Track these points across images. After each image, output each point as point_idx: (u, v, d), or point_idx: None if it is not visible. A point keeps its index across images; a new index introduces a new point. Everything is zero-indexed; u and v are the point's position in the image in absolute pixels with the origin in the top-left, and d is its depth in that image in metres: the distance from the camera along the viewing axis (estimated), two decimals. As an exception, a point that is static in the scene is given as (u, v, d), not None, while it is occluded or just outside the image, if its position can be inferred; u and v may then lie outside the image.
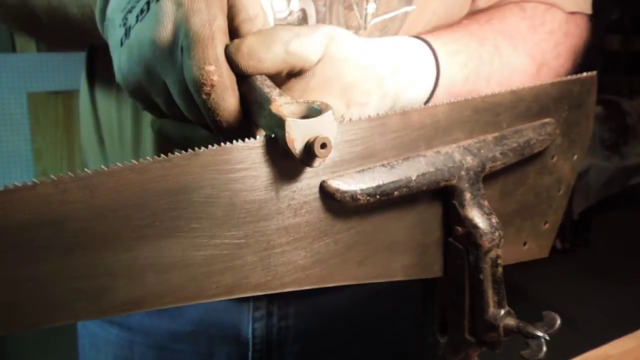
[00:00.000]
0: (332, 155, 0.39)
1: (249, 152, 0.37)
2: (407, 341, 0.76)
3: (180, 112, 0.43)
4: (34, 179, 0.31)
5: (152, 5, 0.41)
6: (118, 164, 0.33)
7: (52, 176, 0.31)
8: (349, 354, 0.73)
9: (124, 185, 0.33)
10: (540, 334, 0.43)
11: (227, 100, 0.39)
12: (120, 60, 0.43)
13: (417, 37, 0.57)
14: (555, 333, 0.44)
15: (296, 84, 0.44)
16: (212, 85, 0.39)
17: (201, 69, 0.38)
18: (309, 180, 0.39)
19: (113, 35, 0.44)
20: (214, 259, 0.37)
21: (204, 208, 0.36)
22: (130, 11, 0.42)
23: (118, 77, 0.44)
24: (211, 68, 0.38)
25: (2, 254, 0.31)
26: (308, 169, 0.38)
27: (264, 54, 0.40)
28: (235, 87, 0.40)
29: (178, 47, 0.39)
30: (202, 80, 0.38)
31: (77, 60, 0.74)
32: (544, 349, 0.43)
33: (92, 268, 0.33)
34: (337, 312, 0.71)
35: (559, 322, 0.45)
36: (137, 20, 0.42)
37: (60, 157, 3.06)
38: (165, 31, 0.40)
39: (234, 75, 0.40)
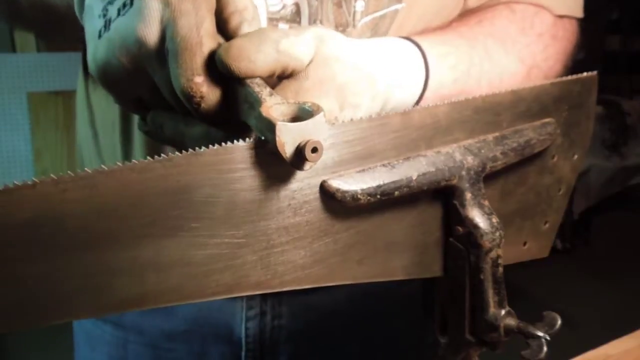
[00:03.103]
0: (332, 155, 0.39)
1: (249, 151, 0.37)
2: (404, 341, 0.75)
3: (166, 102, 0.42)
4: (34, 178, 0.31)
5: (136, 1, 0.40)
6: (118, 163, 0.33)
7: (52, 175, 0.31)
8: (343, 353, 0.72)
9: (124, 185, 0.33)
10: (540, 334, 0.43)
11: (218, 108, 0.39)
12: (97, 51, 0.42)
13: (407, 38, 0.56)
14: (556, 333, 0.44)
15: (290, 86, 0.43)
16: (202, 97, 0.38)
17: (189, 81, 0.38)
18: (310, 180, 0.39)
19: (91, 24, 0.43)
20: (214, 258, 0.37)
21: (204, 207, 0.36)
22: (111, 2, 0.41)
23: (92, 67, 0.43)
24: (199, 79, 0.38)
25: (2, 252, 0.31)
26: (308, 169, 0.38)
27: (254, 54, 0.39)
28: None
29: (166, 49, 0.39)
30: (192, 93, 0.38)
31: (77, 60, 0.74)
32: (545, 349, 0.43)
33: (93, 267, 0.33)
34: (331, 311, 0.70)
35: (559, 322, 0.45)
36: (118, 14, 0.40)
37: (60, 157, 3.06)
38: (152, 31, 0.39)
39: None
